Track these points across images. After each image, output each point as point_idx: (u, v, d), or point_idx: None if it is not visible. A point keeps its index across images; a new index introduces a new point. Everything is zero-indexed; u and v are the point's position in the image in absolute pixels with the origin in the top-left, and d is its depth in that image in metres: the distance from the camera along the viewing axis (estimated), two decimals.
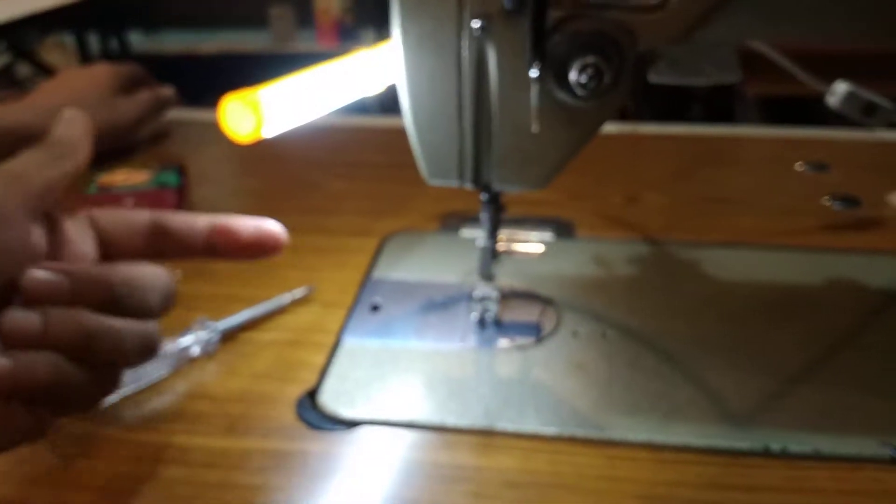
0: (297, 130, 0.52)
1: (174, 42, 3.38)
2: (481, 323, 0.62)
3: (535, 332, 0.61)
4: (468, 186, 0.55)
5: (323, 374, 0.56)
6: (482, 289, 0.62)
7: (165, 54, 3.28)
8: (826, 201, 0.79)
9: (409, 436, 0.50)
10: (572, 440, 0.50)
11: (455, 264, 0.71)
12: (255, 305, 0.62)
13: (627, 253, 0.73)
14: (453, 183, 0.55)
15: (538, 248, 0.72)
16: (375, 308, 0.64)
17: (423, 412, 0.52)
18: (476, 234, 0.70)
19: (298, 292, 0.64)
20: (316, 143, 1.01)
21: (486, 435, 0.50)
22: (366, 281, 0.68)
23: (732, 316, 0.63)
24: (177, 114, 1.08)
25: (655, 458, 0.48)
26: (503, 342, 0.59)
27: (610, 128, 1.01)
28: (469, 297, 0.65)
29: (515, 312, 0.63)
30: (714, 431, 0.50)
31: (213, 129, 0.60)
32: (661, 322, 0.62)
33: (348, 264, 0.71)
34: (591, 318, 0.63)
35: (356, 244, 0.75)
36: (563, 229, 0.77)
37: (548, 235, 0.74)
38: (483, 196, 0.57)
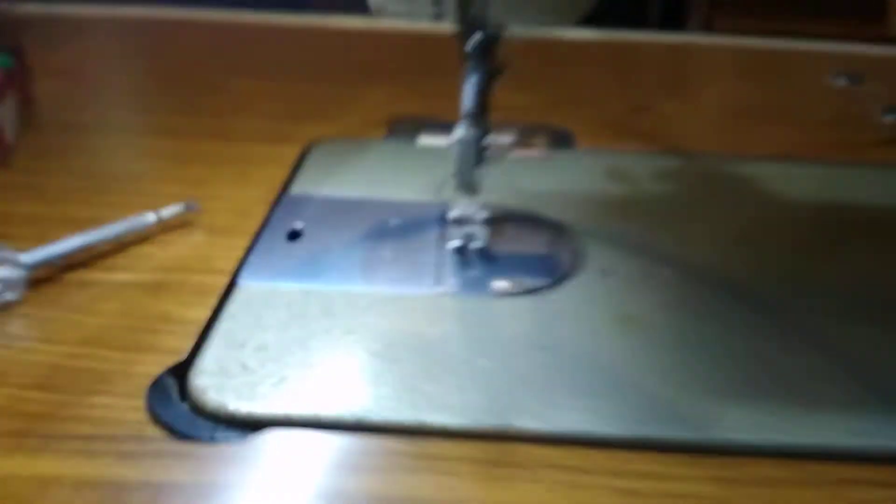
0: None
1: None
2: (462, 255, 0.39)
3: (548, 268, 0.39)
4: (445, 21, 0.32)
5: (201, 339, 0.33)
6: (461, 206, 0.40)
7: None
8: (879, 113, 0.61)
9: (353, 446, 0.28)
10: (648, 447, 0.28)
11: (413, 178, 0.48)
12: (96, 229, 0.38)
13: (651, 167, 0.51)
14: (421, 15, 0.32)
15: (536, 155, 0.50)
16: (294, 235, 0.41)
17: (380, 404, 0.29)
18: (439, 141, 0.48)
19: (168, 211, 0.40)
20: (216, 40, 0.76)
21: (495, 443, 0.28)
22: (280, 199, 0.45)
23: (812, 244, 0.43)
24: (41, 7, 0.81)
25: (801, 476, 0.27)
26: (500, 285, 0.37)
27: (590, 34, 0.79)
28: (441, 221, 0.42)
29: (513, 242, 0.41)
30: (878, 421, 0.29)
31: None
32: (722, 253, 0.41)
33: (252, 178, 0.47)
34: (622, 249, 0.41)
35: (266, 153, 0.51)
36: (560, 139, 0.55)
37: (540, 145, 0.52)
38: (470, 43, 0.34)
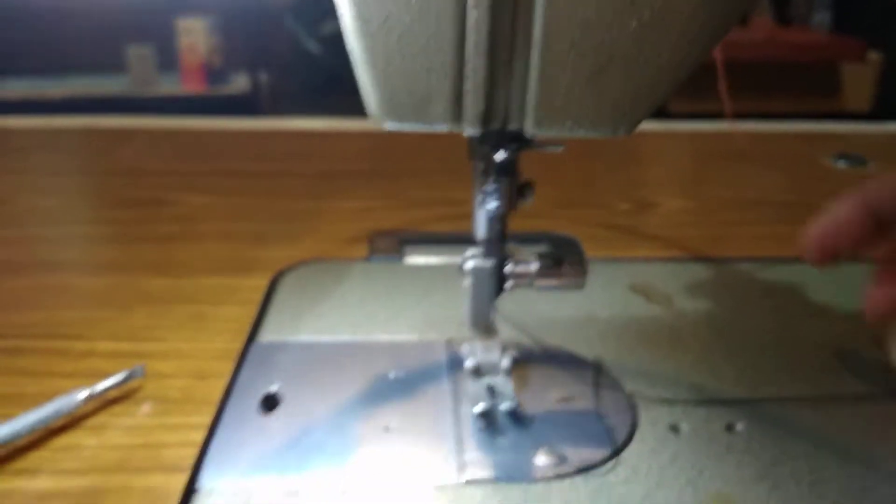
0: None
1: (20, 87, 2.93)
2: (488, 420, 0.31)
3: (596, 428, 0.30)
4: (466, 131, 0.25)
5: None
6: (478, 351, 0.32)
7: (8, 100, 2.83)
8: None
9: None
10: None
11: (409, 310, 0.40)
12: (7, 422, 0.29)
13: (678, 278, 0.44)
14: (439, 125, 0.25)
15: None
16: (270, 403, 0.32)
17: None
18: (426, 260, 0.46)
19: (105, 384, 0.31)
20: (159, 151, 0.68)
21: None
22: (247, 351, 0.36)
23: None
24: None
25: None
26: (543, 461, 0.29)
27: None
28: (452, 367, 0.34)
29: (544, 393, 0.33)
30: None
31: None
32: (783, 383, 0.33)
33: (210, 323, 0.39)
34: (677, 392, 0.33)
35: (225, 287, 0.42)
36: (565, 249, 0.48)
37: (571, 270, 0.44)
38: (497, 157, 0.27)
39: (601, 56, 0.22)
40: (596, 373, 0.34)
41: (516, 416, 0.31)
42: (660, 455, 0.29)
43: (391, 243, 0.49)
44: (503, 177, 0.27)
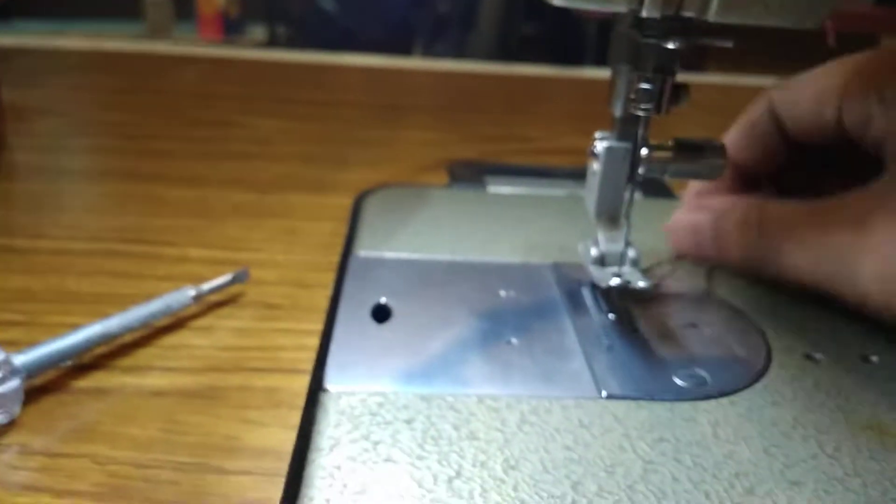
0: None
1: (33, 31, 2.89)
2: (619, 300, 0.29)
3: (737, 358, 0.29)
4: (646, 11, 0.23)
5: (291, 484, 0.22)
6: (604, 242, 0.30)
7: (24, 48, 2.79)
8: None
9: None
10: None
11: (504, 234, 0.38)
12: (116, 314, 0.27)
13: None
14: (617, 3, 0.23)
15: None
16: (382, 315, 0.30)
17: None
18: (511, 189, 0.45)
19: (212, 284, 0.30)
20: (219, 77, 0.66)
21: None
22: (346, 264, 0.34)
23: None
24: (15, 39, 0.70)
25: None
26: (680, 381, 0.27)
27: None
28: (563, 288, 0.32)
29: (664, 322, 0.31)
30: None
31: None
32: None
33: (303, 236, 0.37)
34: (799, 322, 0.31)
35: (311, 204, 0.41)
36: (656, 188, 0.46)
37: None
38: (669, 46, 0.25)
39: None
40: (714, 301, 0.33)
41: (644, 338, 0.29)
42: (802, 381, 0.27)
43: (472, 171, 0.47)
44: (662, 74, 0.25)
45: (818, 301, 0.33)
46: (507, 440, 0.23)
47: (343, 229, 0.38)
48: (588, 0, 0.22)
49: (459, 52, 2.18)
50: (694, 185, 0.36)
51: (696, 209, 0.34)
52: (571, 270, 0.34)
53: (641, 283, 0.28)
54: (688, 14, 0.23)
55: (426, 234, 0.38)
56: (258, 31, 2.89)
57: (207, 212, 0.38)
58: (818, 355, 0.29)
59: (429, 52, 2.26)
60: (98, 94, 0.59)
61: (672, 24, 0.25)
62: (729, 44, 0.25)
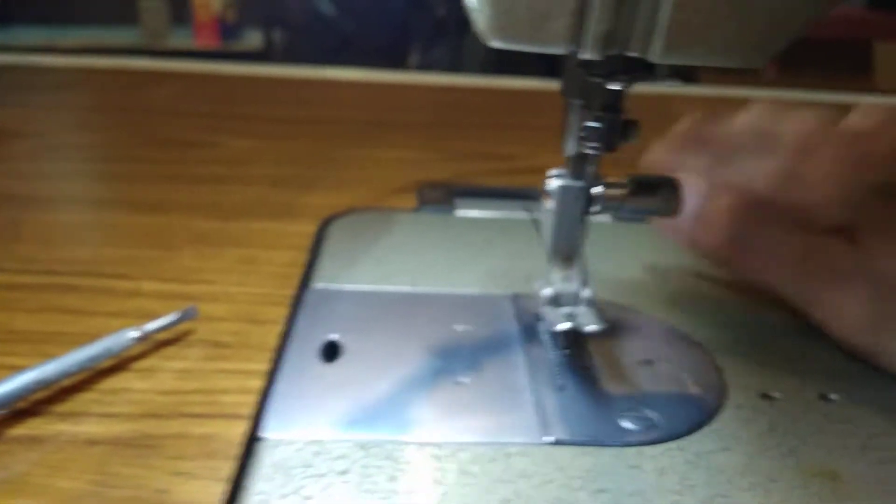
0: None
1: (31, 37, 2.90)
2: (566, 343, 0.29)
3: (690, 399, 0.28)
4: (584, 54, 0.22)
5: None
6: (558, 281, 0.30)
7: (19, 47, 2.80)
8: None
9: None
10: None
11: (468, 262, 0.38)
12: (54, 359, 0.26)
13: None
14: (555, 45, 0.22)
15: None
16: (331, 352, 0.30)
17: None
18: (479, 212, 0.45)
19: (157, 324, 0.29)
20: (193, 94, 0.66)
21: None
22: (301, 297, 0.34)
23: None
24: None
25: None
26: (629, 424, 0.26)
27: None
28: (521, 322, 0.32)
29: (619, 358, 0.31)
30: None
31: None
32: None
33: (261, 266, 0.36)
34: (761, 356, 0.31)
35: (273, 231, 0.40)
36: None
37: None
38: (610, 87, 0.24)
39: None
40: (674, 335, 0.32)
41: (596, 376, 0.29)
42: (756, 422, 0.27)
43: (441, 194, 0.47)
44: (609, 112, 0.25)
45: (781, 333, 0.32)
46: (445, 494, 0.23)
47: (303, 258, 0.37)
48: (526, 41, 0.22)
49: (457, 57, 2.17)
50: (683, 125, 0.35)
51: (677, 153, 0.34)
52: (531, 303, 0.33)
53: (591, 327, 0.28)
54: (631, 55, 0.23)
55: (387, 264, 0.37)
56: (255, 37, 2.88)
57: (166, 241, 0.38)
58: (776, 394, 0.29)
59: (426, 57, 2.26)
60: (73, 114, 0.59)
61: (617, 63, 0.24)
62: (677, 83, 0.25)
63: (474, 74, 0.87)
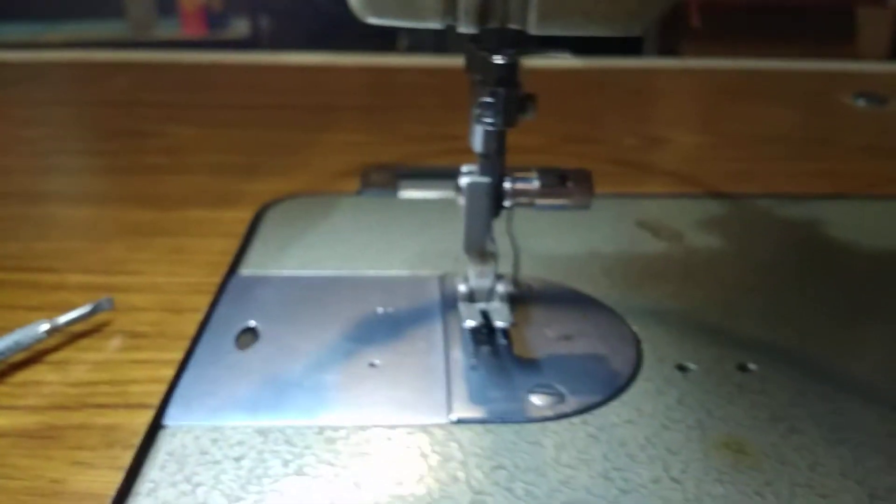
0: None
1: (17, 33, 2.89)
2: (480, 340, 0.29)
3: (604, 372, 0.28)
4: (460, 27, 0.22)
5: None
6: (473, 277, 0.30)
7: (6, 44, 2.79)
8: None
9: None
10: None
11: (401, 245, 0.37)
12: None
13: (690, 214, 0.42)
14: (428, 20, 0.22)
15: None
16: (247, 339, 0.30)
17: None
18: (421, 194, 0.43)
19: (69, 317, 0.29)
20: (153, 84, 0.66)
21: None
22: (225, 285, 0.34)
23: None
24: None
25: None
26: (537, 400, 0.26)
27: (574, 62, 0.70)
28: (444, 304, 0.32)
29: (543, 330, 0.31)
30: None
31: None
32: (805, 325, 0.31)
33: (190, 256, 0.36)
34: (683, 332, 0.31)
35: (208, 220, 0.40)
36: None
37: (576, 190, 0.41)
38: (495, 61, 0.24)
39: None
40: (598, 310, 0.32)
41: (511, 354, 0.29)
42: (665, 396, 0.27)
43: (385, 177, 0.46)
44: (502, 86, 0.24)
45: (706, 306, 0.32)
46: (336, 475, 0.23)
47: (235, 246, 0.37)
48: (401, 17, 0.21)
49: (442, 40, 2.16)
50: None
51: None
52: (458, 282, 0.33)
53: (500, 323, 0.28)
54: (513, 27, 0.22)
55: (319, 248, 0.37)
56: (242, 25, 2.86)
57: (97, 233, 0.38)
58: (692, 365, 0.29)
59: (415, 40, 2.24)
60: (26, 109, 0.59)
61: (505, 37, 0.24)
62: (566, 55, 0.24)
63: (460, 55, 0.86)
